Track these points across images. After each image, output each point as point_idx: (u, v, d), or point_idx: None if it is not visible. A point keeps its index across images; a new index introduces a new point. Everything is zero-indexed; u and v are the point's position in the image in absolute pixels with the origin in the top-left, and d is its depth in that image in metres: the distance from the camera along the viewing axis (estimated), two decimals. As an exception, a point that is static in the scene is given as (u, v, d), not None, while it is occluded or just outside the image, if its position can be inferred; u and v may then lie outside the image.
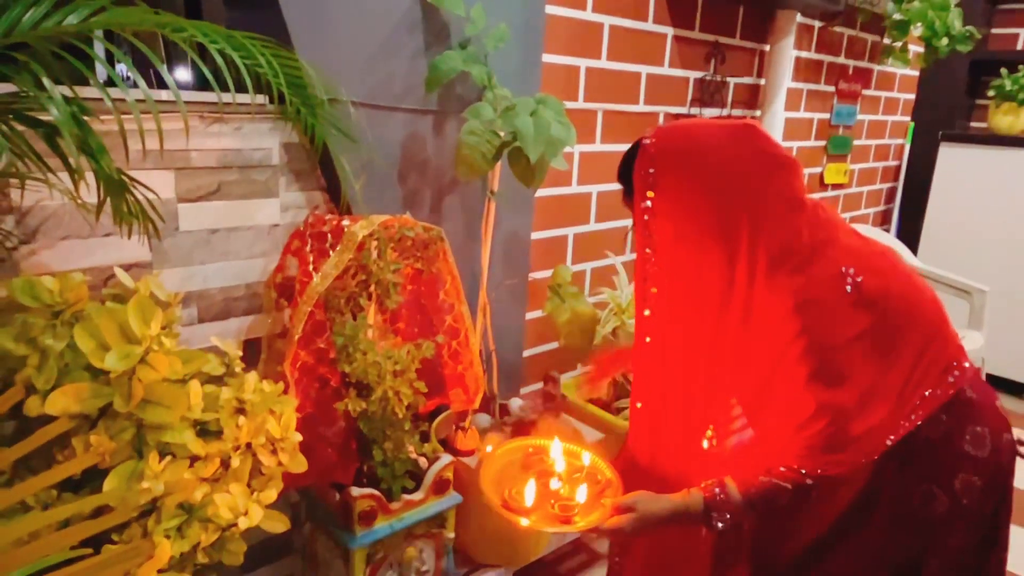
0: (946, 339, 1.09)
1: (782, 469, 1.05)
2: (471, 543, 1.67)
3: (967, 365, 1.08)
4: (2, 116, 0.88)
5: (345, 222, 1.31)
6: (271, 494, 1.08)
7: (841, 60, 2.99)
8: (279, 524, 1.06)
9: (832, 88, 3.00)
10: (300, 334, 1.28)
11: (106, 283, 1.31)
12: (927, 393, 1.05)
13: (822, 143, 3.07)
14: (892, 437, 1.04)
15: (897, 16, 2.77)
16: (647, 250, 1.14)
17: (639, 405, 1.24)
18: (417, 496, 1.41)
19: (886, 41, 3.01)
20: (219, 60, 0.85)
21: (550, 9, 1.81)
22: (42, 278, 1.01)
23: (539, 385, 2.09)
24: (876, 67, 3.23)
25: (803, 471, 1.03)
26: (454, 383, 1.53)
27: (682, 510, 1.08)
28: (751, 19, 2.45)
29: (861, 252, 1.08)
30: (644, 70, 2.14)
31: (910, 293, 1.09)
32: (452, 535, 1.50)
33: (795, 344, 1.02)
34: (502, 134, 1.46)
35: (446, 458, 1.45)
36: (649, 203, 1.10)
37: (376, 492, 1.34)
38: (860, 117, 3.25)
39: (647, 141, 1.11)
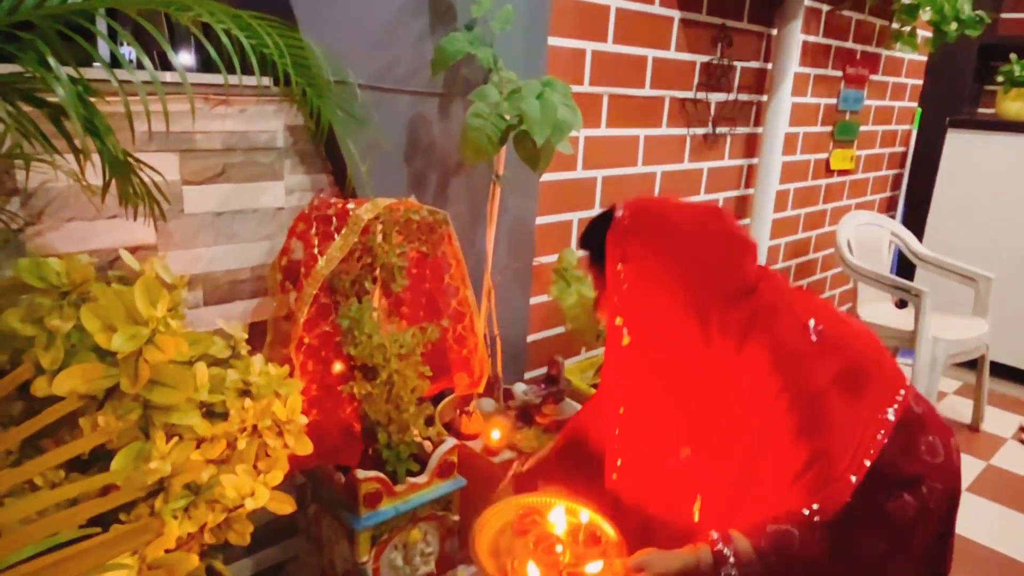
0: (891, 365, 1.18)
1: (787, 514, 1.06)
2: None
3: (908, 384, 1.18)
4: (7, 96, 0.88)
5: (350, 205, 1.31)
6: (277, 476, 1.09)
7: (849, 45, 2.97)
8: (285, 506, 1.07)
9: (839, 73, 2.98)
10: (305, 317, 1.28)
11: (111, 265, 1.31)
12: (887, 413, 1.12)
13: (828, 128, 3.05)
14: (868, 460, 1.08)
15: (906, 0, 2.74)
16: (617, 320, 1.17)
17: (615, 476, 1.25)
18: (422, 479, 1.41)
19: (894, 26, 2.98)
20: (225, 40, 0.84)
21: (556, -9, 1.80)
22: (48, 259, 1.01)
23: (543, 369, 2.09)
24: (884, 52, 3.20)
25: (806, 512, 1.05)
26: (459, 367, 1.53)
27: (692, 565, 1.06)
28: (758, 2, 2.42)
29: (812, 304, 1.19)
30: (651, 54, 2.13)
31: (858, 331, 1.20)
32: (456, 518, 1.50)
33: (780, 400, 1.08)
34: (508, 117, 1.45)
35: (451, 441, 1.45)
36: (621, 273, 1.15)
37: (381, 475, 1.35)
38: (867, 103, 3.22)
39: (619, 213, 1.17)
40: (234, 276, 1.46)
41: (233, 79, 0.96)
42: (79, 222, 1.25)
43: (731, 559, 1.04)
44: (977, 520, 2.27)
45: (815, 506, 1.05)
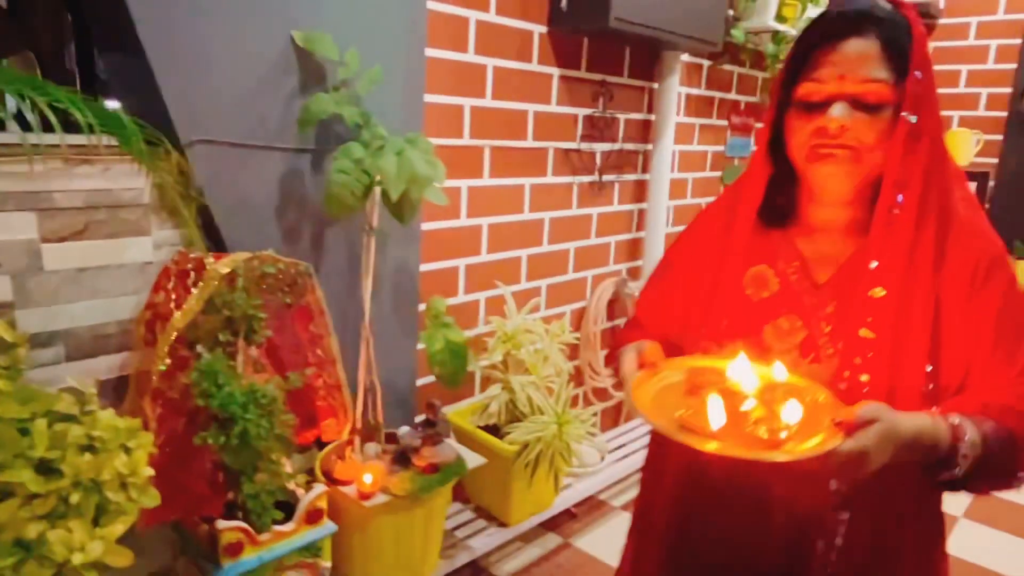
0: None
1: (1008, 408, 0.85)
2: (357, 570, 1.69)
3: None
4: None
5: (209, 259, 1.35)
6: (118, 529, 1.10)
7: (732, 96, 3.17)
8: (122, 559, 1.08)
9: (725, 122, 3.18)
10: (161, 369, 1.31)
11: (-35, 324, 1.31)
12: None
13: (718, 174, 3.23)
14: None
15: (776, 53, 2.96)
16: (911, 118, 0.86)
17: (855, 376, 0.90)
18: (288, 527, 1.43)
19: (766, 76, 3.21)
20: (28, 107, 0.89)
21: (431, 52, 1.90)
22: None
23: (433, 413, 2.13)
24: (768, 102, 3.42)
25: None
26: (327, 414, 1.56)
27: (929, 432, 0.80)
28: (638, 59, 2.59)
29: None
30: (531, 108, 2.25)
31: None
32: (328, 564, 1.52)
33: (1009, 295, 0.89)
34: (372, 173, 1.52)
35: (318, 488, 1.48)
36: (919, 76, 0.85)
37: (243, 524, 1.36)
38: (754, 149, 3.43)
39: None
40: (99, 331, 1.47)
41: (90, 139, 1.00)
42: (-73, 282, 1.25)
43: (967, 438, 0.81)
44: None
45: None
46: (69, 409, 1.18)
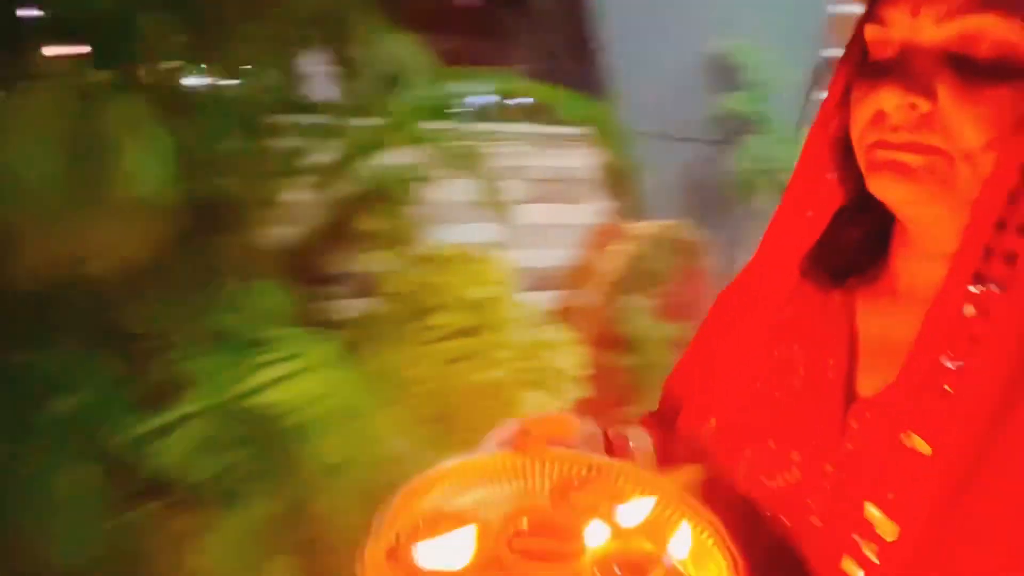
0: None
1: None
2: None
3: None
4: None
5: (633, 224, 1.79)
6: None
7: None
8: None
9: None
10: (596, 305, 1.79)
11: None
12: None
13: None
14: None
15: None
16: None
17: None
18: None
19: None
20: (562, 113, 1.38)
21: (828, 53, 2.06)
22: (439, 247, 1.67)
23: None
24: None
25: None
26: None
27: None
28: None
29: None
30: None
31: None
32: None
33: None
34: (769, 164, 1.80)
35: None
36: None
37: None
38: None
39: None
40: (548, 273, 2.03)
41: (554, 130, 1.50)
42: (461, 225, 1.90)
43: None
44: None
45: None
46: (534, 321, 1.74)
